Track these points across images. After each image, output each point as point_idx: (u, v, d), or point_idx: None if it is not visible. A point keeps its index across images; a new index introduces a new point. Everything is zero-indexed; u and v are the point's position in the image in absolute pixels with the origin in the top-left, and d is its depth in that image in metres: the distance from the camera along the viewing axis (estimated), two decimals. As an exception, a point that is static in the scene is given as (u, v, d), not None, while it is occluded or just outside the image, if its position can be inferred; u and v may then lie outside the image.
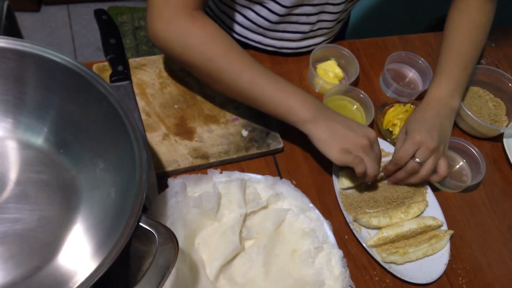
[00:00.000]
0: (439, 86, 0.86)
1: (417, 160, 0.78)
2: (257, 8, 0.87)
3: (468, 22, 0.89)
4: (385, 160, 0.83)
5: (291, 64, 0.95)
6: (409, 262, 0.76)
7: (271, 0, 0.84)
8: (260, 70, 0.75)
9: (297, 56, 0.96)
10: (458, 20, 0.90)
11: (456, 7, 0.92)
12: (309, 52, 0.93)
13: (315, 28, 0.92)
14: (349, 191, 0.81)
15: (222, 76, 0.74)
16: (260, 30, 0.91)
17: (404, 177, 0.81)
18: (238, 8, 0.89)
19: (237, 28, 0.93)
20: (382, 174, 0.82)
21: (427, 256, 0.77)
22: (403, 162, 0.79)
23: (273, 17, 0.87)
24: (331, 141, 0.73)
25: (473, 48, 0.89)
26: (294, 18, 0.88)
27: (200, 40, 0.72)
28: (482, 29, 0.90)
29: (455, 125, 0.96)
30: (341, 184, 0.80)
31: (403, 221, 0.78)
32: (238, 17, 0.91)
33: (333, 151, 0.73)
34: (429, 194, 0.84)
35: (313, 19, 0.89)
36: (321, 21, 0.91)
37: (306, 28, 0.91)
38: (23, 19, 2.03)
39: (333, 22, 0.92)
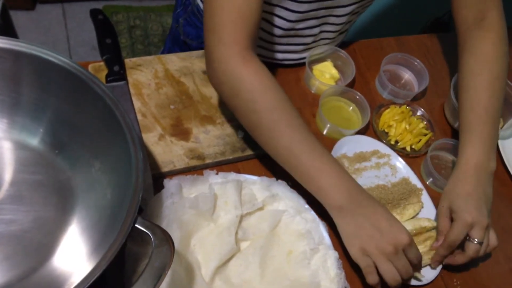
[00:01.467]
0: (473, 149, 0.79)
1: (476, 241, 0.74)
2: (261, 23, 0.84)
3: (488, 72, 0.83)
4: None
5: (289, 66, 0.95)
6: (404, 263, 0.76)
7: (275, 16, 0.83)
8: (301, 136, 0.70)
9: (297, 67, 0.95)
10: (475, 68, 0.84)
11: (469, 50, 0.85)
12: None
13: (317, 39, 0.91)
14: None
15: (263, 132, 0.71)
16: (263, 43, 0.90)
17: (465, 261, 0.76)
18: None
19: None
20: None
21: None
22: (456, 245, 0.75)
23: (278, 31, 0.86)
24: (354, 238, 0.69)
25: (497, 100, 0.82)
26: (298, 32, 0.87)
27: (249, 87, 0.69)
28: (503, 78, 0.84)
29: (450, 125, 0.96)
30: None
31: (399, 222, 0.79)
32: None
33: (352, 248, 0.69)
34: (424, 196, 0.84)
35: (316, 31, 0.88)
36: (323, 32, 0.90)
37: (308, 40, 0.90)
38: (18, 17, 2.02)
39: (336, 33, 0.91)
